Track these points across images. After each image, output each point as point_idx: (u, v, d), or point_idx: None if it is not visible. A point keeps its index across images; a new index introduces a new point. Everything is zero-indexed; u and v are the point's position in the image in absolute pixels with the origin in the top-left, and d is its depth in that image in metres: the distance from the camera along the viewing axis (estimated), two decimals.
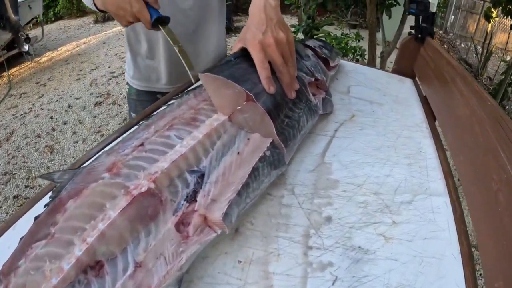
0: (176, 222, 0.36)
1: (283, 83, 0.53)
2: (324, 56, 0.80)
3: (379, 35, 3.00)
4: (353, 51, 2.60)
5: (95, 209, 0.36)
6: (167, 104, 0.52)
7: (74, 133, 2.92)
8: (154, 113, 0.50)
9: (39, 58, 4.69)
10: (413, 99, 0.92)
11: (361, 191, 0.52)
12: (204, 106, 0.51)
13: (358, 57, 2.67)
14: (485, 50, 4.30)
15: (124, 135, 0.46)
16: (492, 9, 3.59)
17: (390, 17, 2.73)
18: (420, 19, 1.09)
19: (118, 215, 0.34)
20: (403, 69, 1.17)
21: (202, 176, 0.40)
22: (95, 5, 0.69)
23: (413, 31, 1.13)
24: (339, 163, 0.56)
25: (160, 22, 0.65)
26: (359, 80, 0.94)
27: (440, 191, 0.53)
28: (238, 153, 0.45)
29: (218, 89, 0.50)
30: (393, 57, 2.92)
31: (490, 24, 4.24)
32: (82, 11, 6.85)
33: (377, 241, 0.44)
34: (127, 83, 1.01)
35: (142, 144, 0.43)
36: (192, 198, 0.38)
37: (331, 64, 0.81)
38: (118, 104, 3.25)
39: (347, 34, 2.89)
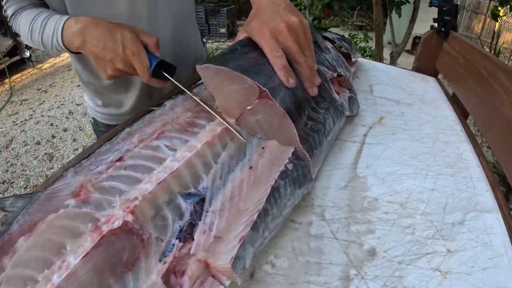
0: (165, 271, 0.25)
1: (302, 76, 0.42)
2: (344, 49, 0.70)
3: (385, 36, 2.91)
4: (362, 51, 2.49)
5: (51, 251, 0.25)
6: (158, 106, 0.42)
7: (74, 140, 2.83)
8: (140, 118, 0.39)
9: (41, 65, 4.64)
10: (440, 98, 0.82)
11: (406, 211, 0.41)
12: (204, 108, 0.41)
13: (367, 58, 2.56)
14: (492, 51, 4.18)
15: (101, 148, 0.35)
16: (499, 8, 3.49)
17: (400, 16, 2.64)
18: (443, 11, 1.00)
19: (80, 262, 0.24)
20: (424, 67, 1.07)
21: (201, 201, 0.29)
22: (64, 46, 0.51)
23: (435, 25, 1.03)
24: (375, 177, 0.45)
25: (162, 69, 0.47)
26: (380, 79, 0.84)
27: (490, 206, 0.46)
28: (251, 167, 0.33)
29: (222, 84, 0.39)
30: (401, 59, 2.83)
31: (497, 24, 4.14)
32: None
33: (433, 278, 0.35)
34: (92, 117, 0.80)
35: (121, 159, 0.32)
36: (187, 234, 0.27)
37: (353, 59, 0.70)
38: None
39: (354, 34, 2.79)
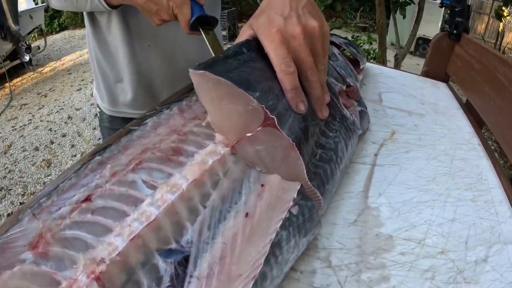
0: None
1: (312, 96, 0.36)
2: (351, 55, 0.64)
3: (388, 37, 2.85)
4: (366, 54, 2.43)
5: None
6: (136, 125, 0.35)
7: (73, 146, 2.78)
8: (114, 142, 0.32)
9: (42, 69, 4.61)
10: (453, 107, 0.77)
11: (424, 250, 0.35)
12: (193, 129, 0.35)
13: (371, 60, 2.50)
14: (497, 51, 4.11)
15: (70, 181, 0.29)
16: (503, 8, 3.42)
17: (404, 17, 2.58)
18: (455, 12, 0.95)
19: None
20: (435, 71, 1.01)
21: (185, 261, 0.24)
22: (106, 2, 0.52)
23: (446, 27, 0.97)
24: (389, 207, 0.39)
25: (202, 23, 0.48)
26: (389, 86, 0.78)
27: None
28: (247, 214, 0.28)
29: (221, 100, 0.33)
30: (404, 60, 2.77)
31: (501, 24, 4.08)
32: None
33: None
34: (98, 106, 0.79)
35: (88, 198, 0.26)
36: None
37: (362, 65, 0.64)
38: None
39: (358, 36, 2.73)
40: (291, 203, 0.28)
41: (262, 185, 0.30)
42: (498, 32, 4.31)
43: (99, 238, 0.25)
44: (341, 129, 0.40)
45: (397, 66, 2.66)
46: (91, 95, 3.61)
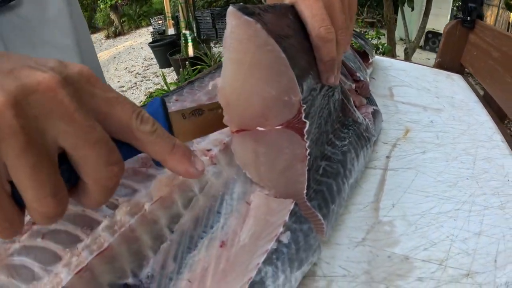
0: None
1: (326, 55, 0.28)
2: (359, 48, 0.58)
3: (397, 32, 2.76)
4: (375, 48, 2.36)
5: None
6: None
7: None
8: None
9: None
10: (471, 100, 0.70)
11: (447, 274, 0.29)
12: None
13: (381, 55, 2.42)
14: None
15: None
16: None
17: (412, 9, 2.49)
18: None
19: None
20: (448, 63, 0.94)
21: None
22: None
23: (459, 14, 0.91)
24: (403, 221, 0.33)
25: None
26: (401, 79, 0.72)
27: None
28: (223, 243, 0.22)
29: (255, 67, 0.23)
30: (414, 55, 2.68)
31: (511, 14, 3.94)
32: (94, 27, 6.91)
33: None
34: None
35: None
36: None
37: (371, 59, 0.58)
38: None
39: (365, 31, 2.65)
40: (281, 229, 0.22)
41: (247, 203, 0.25)
42: (509, 22, 4.16)
43: (47, 267, 0.21)
44: (352, 137, 0.34)
45: (407, 60, 2.57)
46: None
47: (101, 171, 0.18)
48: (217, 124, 0.25)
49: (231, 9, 0.22)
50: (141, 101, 3.30)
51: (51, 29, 0.46)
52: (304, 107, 0.23)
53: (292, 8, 0.27)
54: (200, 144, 0.29)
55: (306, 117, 0.23)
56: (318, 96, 0.28)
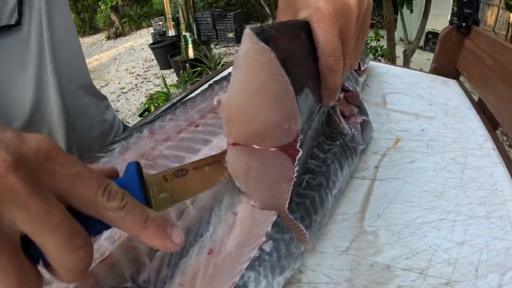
0: None
1: (331, 84, 0.28)
2: None
3: (396, 33, 2.76)
4: (373, 51, 2.36)
5: None
6: (104, 152, 0.32)
7: None
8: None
9: None
10: (464, 106, 0.71)
11: (427, 282, 0.30)
12: (163, 151, 0.32)
13: (380, 58, 2.43)
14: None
15: None
16: None
17: (412, 11, 2.50)
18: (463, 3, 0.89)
19: None
20: (444, 68, 0.96)
21: None
22: None
23: (455, 19, 0.92)
24: (387, 230, 0.34)
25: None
26: (395, 86, 0.73)
27: None
28: (210, 250, 0.24)
29: (261, 91, 0.24)
30: (414, 56, 2.68)
31: (511, 14, 3.94)
32: (94, 28, 6.94)
33: None
34: None
35: None
36: None
37: (362, 67, 0.59)
38: (126, 122, 3.12)
39: None
40: (264, 239, 0.24)
41: (234, 214, 0.26)
42: (509, 23, 4.16)
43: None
44: (336, 148, 0.35)
45: (406, 62, 2.58)
46: None
47: (64, 258, 0.16)
48: (204, 184, 0.24)
49: (248, 32, 0.22)
50: (142, 102, 3.32)
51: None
52: (301, 137, 0.24)
53: (306, 26, 0.27)
54: (190, 159, 0.30)
55: (300, 146, 0.24)
56: (315, 118, 0.29)
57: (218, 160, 0.26)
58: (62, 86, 0.51)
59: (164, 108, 0.59)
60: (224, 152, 0.27)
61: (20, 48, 0.44)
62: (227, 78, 0.48)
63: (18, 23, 0.42)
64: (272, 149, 0.25)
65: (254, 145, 0.25)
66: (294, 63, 0.24)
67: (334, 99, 0.29)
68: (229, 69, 0.78)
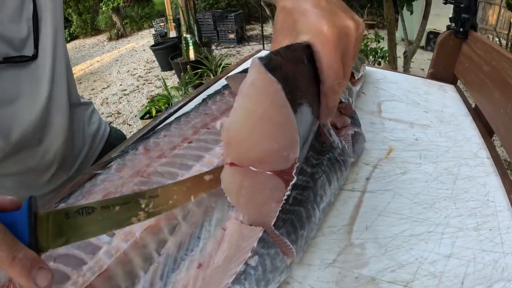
0: None
1: (332, 103, 0.30)
2: None
3: (397, 34, 2.76)
4: (373, 53, 2.36)
5: None
6: (101, 169, 0.33)
7: None
8: (79, 189, 0.30)
9: None
10: (460, 113, 0.71)
11: None
12: (157, 168, 0.33)
13: (379, 60, 2.43)
14: (509, 43, 3.94)
15: None
16: None
17: (412, 13, 2.49)
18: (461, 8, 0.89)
19: None
20: (441, 73, 0.96)
21: None
22: None
23: (452, 25, 0.92)
24: (374, 243, 0.35)
25: None
26: (391, 93, 0.73)
27: None
28: (200, 265, 0.25)
29: (265, 119, 0.24)
30: (415, 56, 2.68)
31: None
32: (96, 30, 6.96)
33: None
34: None
35: None
36: None
37: (356, 77, 0.60)
38: (128, 124, 3.14)
39: (365, 34, 2.66)
40: (249, 254, 0.25)
41: (223, 230, 0.27)
42: (510, 22, 4.14)
43: (58, 286, 0.25)
44: (324, 162, 0.35)
45: (406, 64, 2.58)
46: (101, 104, 3.66)
47: None
48: (109, 226, 0.22)
49: (256, 61, 0.23)
50: (143, 104, 3.33)
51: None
52: (297, 165, 0.25)
53: (308, 49, 0.27)
54: (183, 176, 0.31)
55: (295, 173, 0.25)
56: (309, 137, 0.30)
57: (134, 200, 0.24)
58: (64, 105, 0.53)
59: (163, 117, 0.60)
60: (216, 169, 0.28)
61: (34, 79, 0.45)
62: (220, 91, 0.48)
63: (35, 56, 0.42)
64: (268, 172, 0.26)
65: (250, 167, 0.27)
66: (297, 90, 0.25)
67: (332, 116, 0.30)
68: (230, 72, 0.79)
